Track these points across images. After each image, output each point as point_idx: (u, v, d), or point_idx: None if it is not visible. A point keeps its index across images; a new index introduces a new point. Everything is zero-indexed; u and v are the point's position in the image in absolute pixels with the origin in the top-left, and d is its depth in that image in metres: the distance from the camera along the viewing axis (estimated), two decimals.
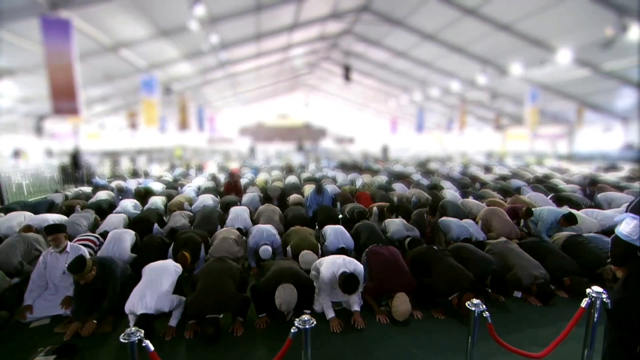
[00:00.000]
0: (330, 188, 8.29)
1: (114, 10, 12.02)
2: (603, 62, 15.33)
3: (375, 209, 6.15)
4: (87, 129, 23.03)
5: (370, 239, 4.65)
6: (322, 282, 3.23)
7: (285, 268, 3.27)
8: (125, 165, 14.72)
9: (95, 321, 3.09)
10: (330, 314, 3.21)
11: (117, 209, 6.63)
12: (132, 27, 13.40)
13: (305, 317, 1.87)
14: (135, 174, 11.65)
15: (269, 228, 4.71)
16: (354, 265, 3.31)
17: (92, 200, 7.43)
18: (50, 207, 6.79)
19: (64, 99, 10.58)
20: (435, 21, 16.81)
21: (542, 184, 9.00)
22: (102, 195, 7.75)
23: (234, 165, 14.67)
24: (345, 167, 13.87)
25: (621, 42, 12.36)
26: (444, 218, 5.38)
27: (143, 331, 1.78)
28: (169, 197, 7.52)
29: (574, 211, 5.93)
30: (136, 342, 1.69)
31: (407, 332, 3.13)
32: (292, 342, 1.82)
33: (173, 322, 3.13)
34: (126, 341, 1.69)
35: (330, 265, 3.23)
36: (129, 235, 4.52)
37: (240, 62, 21.23)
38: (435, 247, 3.94)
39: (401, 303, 3.23)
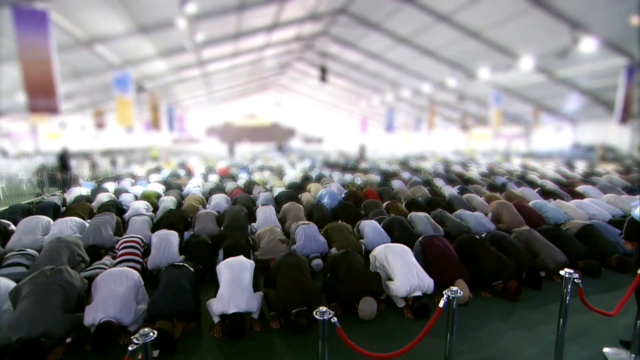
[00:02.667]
0: (335, 187, 8.59)
1: (93, 3, 11.38)
2: (557, 69, 17.05)
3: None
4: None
5: (403, 233, 5.04)
6: (397, 294, 3.52)
7: (363, 282, 3.48)
8: (104, 166, 13.92)
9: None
10: (401, 303, 3.56)
11: (129, 211, 6.45)
12: (110, 22, 12.75)
13: None
14: (117, 177, 11.13)
15: (317, 236, 4.82)
16: (427, 284, 3.54)
17: (94, 203, 7.13)
18: (56, 210, 6.43)
19: (41, 96, 9.93)
20: (409, 26, 17.63)
21: (522, 179, 9.99)
22: (104, 197, 7.44)
23: (220, 166, 14.44)
24: (334, 166, 14.21)
25: (574, 52, 13.90)
26: (461, 211, 5.90)
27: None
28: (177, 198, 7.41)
29: (563, 202, 6.77)
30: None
31: (495, 313, 3.54)
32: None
33: (256, 314, 3.28)
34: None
35: (405, 280, 3.48)
36: (175, 237, 4.52)
37: (216, 61, 20.81)
38: (477, 236, 4.40)
39: (462, 289, 3.63)
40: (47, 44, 9.74)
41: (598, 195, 7.55)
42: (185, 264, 3.54)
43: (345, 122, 43.21)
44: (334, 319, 1.95)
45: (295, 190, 8.31)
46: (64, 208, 6.79)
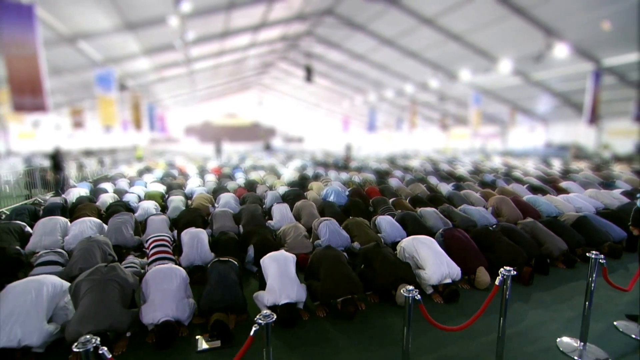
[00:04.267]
0: (336, 185, 8.84)
1: None
2: (532, 72, 18.11)
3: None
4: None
5: (416, 227, 5.36)
6: (428, 282, 3.80)
7: (398, 271, 3.75)
8: (91, 167, 13.45)
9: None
10: (429, 290, 3.86)
11: (139, 211, 6.41)
12: (96, 18, 12.37)
13: None
14: (112, 178, 10.87)
15: (340, 231, 5.04)
16: (455, 271, 3.84)
17: (98, 204, 7.01)
18: (63, 211, 6.28)
19: (27, 94, 9.60)
20: (394, 28, 18.13)
21: (508, 177, 10.64)
22: (107, 198, 7.32)
23: (211, 166, 14.32)
24: (327, 166, 14.44)
25: (548, 57, 14.86)
26: (464, 206, 6.31)
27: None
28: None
29: (552, 197, 7.35)
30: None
31: (514, 296, 3.85)
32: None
33: (302, 305, 3.47)
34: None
35: (437, 269, 3.78)
36: (204, 235, 4.61)
37: (201, 60, 20.52)
38: (490, 227, 4.78)
39: (483, 275, 4.00)
40: (34, 40, 9.43)
41: (580, 190, 8.23)
42: (230, 259, 3.67)
43: (327, 121, 43.56)
44: (419, 296, 2.19)
45: (300, 188, 8.48)
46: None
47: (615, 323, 3.38)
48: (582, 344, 2.96)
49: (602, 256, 2.79)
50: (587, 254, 2.87)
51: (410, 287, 2.22)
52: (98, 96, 15.54)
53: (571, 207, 6.75)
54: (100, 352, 1.65)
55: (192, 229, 4.66)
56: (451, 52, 18.25)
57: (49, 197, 8.78)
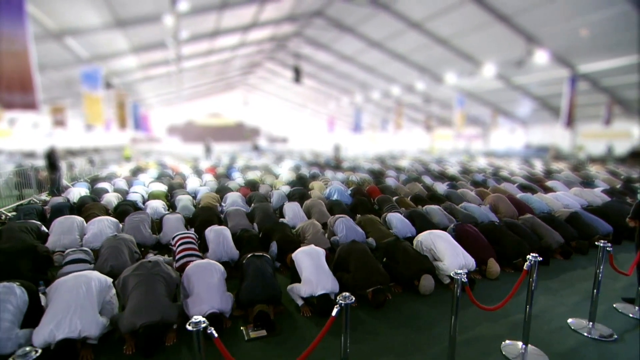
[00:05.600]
0: (338, 184, 9.07)
1: None
2: (513, 76, 18.99)
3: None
4: None
5: (423, 224, 5.67)
6: (446, 272, 4.06)
7: (420, 263, 4.04)
8: (81, 166, 13.08)
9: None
10: (446, 280, 4.16)
11: (148, 210, 6.41)
12: (87, 14, 12.09)
13: None
14: (109, 178, 10.69)
15: (356, 227, 5.26)
16: (470, 262, 4.14)
17: (103, 202, 6.96)
18: (71, 210, 6.21)
19: (17, 91, 9.33)
20: (383, 31, 18.57)
21: (496, 176, 11.20)
22: (112, 198, 7.26)
23: (204, 166, 14.25)
24: (323, 166, 14.64)
25: (528, 63, 15.67)
26: (465, 204, 6.69)
27: None
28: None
29: (542, 195, 7.87)
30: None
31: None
32: None
33: (299, 302, 3.64)
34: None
35: (454, 260, 4.07)
36: (228, 232, 4.73)
37: (189, 59, 20.30)
38: (495, 223, 5.15)
39: (494, 265, 4.34)
40: (24, 35, 9.17)
41: (565, 189, 8.81)
42: (264, 255, 3.83)
43: (312, 122, 43.75)
44: (465, 279, 2.45)
45: (302, 188, 8.66)
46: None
47: (614, 305, 3.78)
48: (590, 323, 3.33)
49: (609, 244, 3.15)
50: (595, 243, 3.22)
51: (461, 271, 2.46)
52: (84, 94, 15.14)
53: (560, 205, 7.26)
54: (208, 332, 1.81)
55: (216, 227, 4.77)
56: (437, 55, 18.86)
57: (44, 198, 8.60)
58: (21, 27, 9.14)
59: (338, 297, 2.06)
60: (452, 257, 4.10)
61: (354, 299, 2.07)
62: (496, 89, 20.89)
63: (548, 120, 22.25)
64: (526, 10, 13.43)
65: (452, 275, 2.49)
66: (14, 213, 7.11)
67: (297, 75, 22.74)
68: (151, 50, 16.67)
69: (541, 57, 14.89)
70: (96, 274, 3.19)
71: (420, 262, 4.04)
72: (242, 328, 3.21)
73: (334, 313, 2.01)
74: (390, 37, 18.90)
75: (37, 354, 1.61)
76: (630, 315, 3.60)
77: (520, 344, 3.01)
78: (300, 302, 3.58)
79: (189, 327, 1.80)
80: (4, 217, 6.64)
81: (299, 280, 3.66)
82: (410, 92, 24.46)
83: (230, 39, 19.40)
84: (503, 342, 3.09)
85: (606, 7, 11.88)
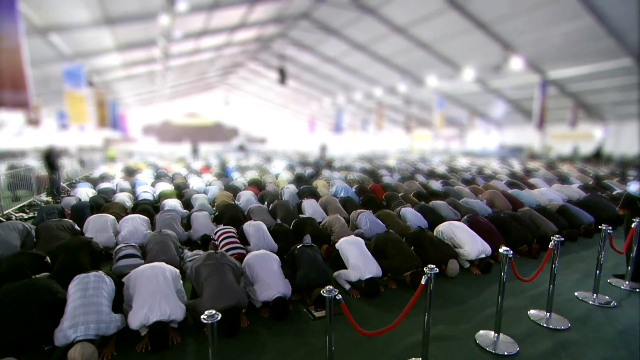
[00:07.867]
0: (340, 183, 9.49)
1: None
2: (490, 80, 20.21)
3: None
4: None
5: (434, 217, 6.21)
6: (467, 258, 4.59)
7: (446, 249, 4.55)
8: (69, 167, 12.66)
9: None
10: (466, 264, 4.68)
11: (167, 209, 6.54)
12: (76, 10, 11.78)
13: None
14: (108, 178, 10.53)
15: (377, 221, 5.69)
16: (488, 248, 4.66)
17: (115, 201, 7.00)
18: (92, 209, 6.22)
19: (9, 89, 9.08)
20: (367, 34, 19.17)
21: (481, 174, 12.05)
22: (124, 197, 7.30)
23: (198, 167, 14.22)
24: (315, 165, 15.00)
25: (504, 68, 16.81)
26: (465, 199, 7.31)
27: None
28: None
29: (529, 190, 8.66)
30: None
31: (529, 266, 4.78)
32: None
33: (347, 286, 4.04)
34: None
35: (474, 247, 4.60)
36: (265, 227, 5.02)
37: (175, 58, 20.00)
38: (501, 214, 5.76)
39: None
40: (16, 31, 8.92)
41: (546, 185, 9.72)
42: (313, 245, 4.18)
43: (292, 122, 43.91)
44: (511, 254, 2.95)
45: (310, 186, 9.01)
46: None
47: (609, 280, 4.45)
48: (595, 295, 3.95)
49: (610, 228, 3.77)
50: (599, 227, 3.84)
51: (506, 249, 2.94)
52: (66, 92, 14.64)
53: (545, 199, 8.06)
54: (337, 297, 2.22)
55: (253, 222, 5.05)
56: (419, 59, 19.72)
57: (44, 199, 8.43)
58: (13, 24, 8.89)
59: (425, 269, 2.47)
60: (472, 244, 4.63)
61: (436, 270, 2.48)
62: (474, 92, 22.09)
63: (520, 122, 23.81)
64: (504, 20, 14.46)
65: (492, 254, 2.97)
66: (21, 214, 7.01)
67: (282, 76, 22.90)
68: (137, 48, 16.37)
69: (516, 63, 16.03)
70: (166, 265, 3.41)
71: (445, 248, 4.54)
72: (304, 310, 3.55)
73: (423, 281, 2.42)
74: (374, 40, 19.53)
75: (219, 317, 1.99)
76: (622, 287, 4.29)
77: (545, 312, 3.58)
78: (347, 287, 3.96)
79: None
80: (14, 218, 6.53)
81: (344, 267, 4.05)
82: (391, 94, 25.29)
83: (216, 39, 19.34)
84: (528, 312, 3.68)
85: (573, 19, 13.06)
